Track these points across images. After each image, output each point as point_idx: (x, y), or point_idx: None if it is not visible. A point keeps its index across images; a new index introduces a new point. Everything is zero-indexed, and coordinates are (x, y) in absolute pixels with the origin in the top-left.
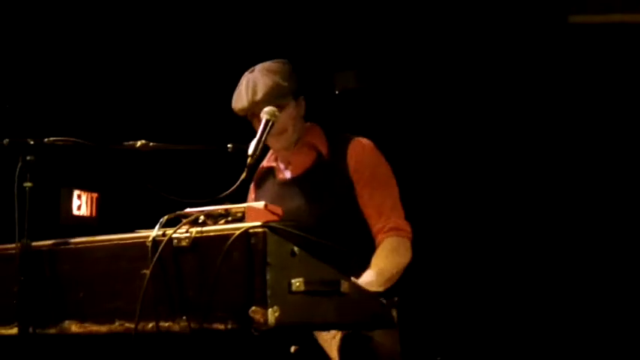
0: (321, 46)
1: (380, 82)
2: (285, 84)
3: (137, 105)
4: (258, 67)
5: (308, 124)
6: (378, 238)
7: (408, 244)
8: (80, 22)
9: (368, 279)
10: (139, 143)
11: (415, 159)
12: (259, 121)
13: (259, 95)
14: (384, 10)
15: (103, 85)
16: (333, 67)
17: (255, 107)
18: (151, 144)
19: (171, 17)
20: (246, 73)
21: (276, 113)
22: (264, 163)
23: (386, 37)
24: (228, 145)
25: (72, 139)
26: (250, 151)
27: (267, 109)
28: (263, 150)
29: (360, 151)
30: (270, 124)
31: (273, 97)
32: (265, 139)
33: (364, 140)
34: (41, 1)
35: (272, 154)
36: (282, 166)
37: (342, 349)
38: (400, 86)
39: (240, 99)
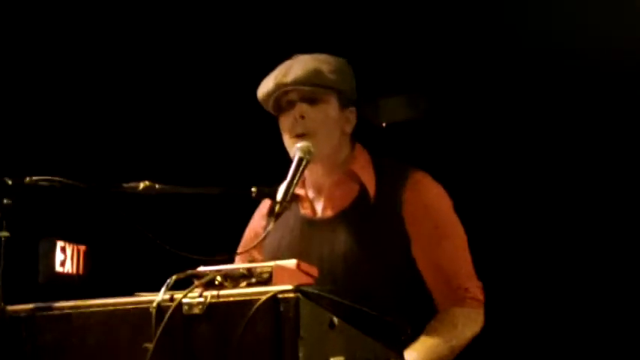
0: (363, 67)
1: (437, 111)
2: (332, 77)
3: (139, 141)
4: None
5: (356, 146)
6: (441, 306)
7: (478, 312)
8: (69, 46)
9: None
10: (141, 185)
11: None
12: (286, 115)
13: (291, 76)
14: (445, 23)
15: (97, 117)
16: (378, 92)
17: (281, 90)
18: (157, 186)
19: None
20: None
21: (311, 149)
22: None
23: (446, 54)
24: (252, 189)
25: (57, 178)
26: (279, 196)
27: (300, 144)
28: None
29: (422, 193)
30: (304, 163)
31: (309, 82)
32: (297, 182)
33: (425, 177)
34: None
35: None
36: (311, 193)
37: None
38: (462, 117)
39: (267, 81)
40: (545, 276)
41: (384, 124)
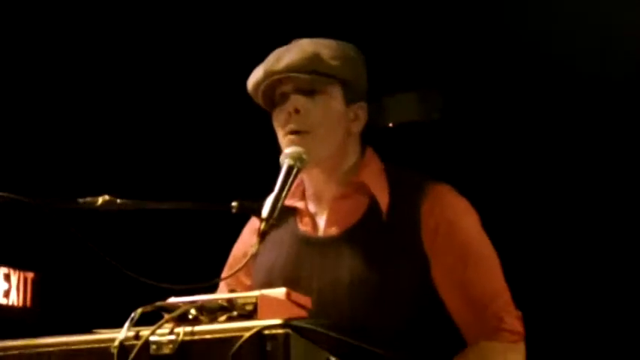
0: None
1: (453, 110)
2: (334, 63)
3: (99, 148)
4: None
5: (367, 151)
6: (470, 340)
7: (517, 348)
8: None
9: None
10: (100, 200)
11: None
12: (280, 109)
13: (283, 63)
14: (461, 8)
15: (50, 122)
16: (384, 87)
17: (271, 78)
18: (119, 201)
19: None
20: None
21: (304, 156)
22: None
23: (464, 44)
24: (233, 204)
25: (2, 193)
26: (265, 212)
27: (290, 149)
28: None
29: (445, 207)
30: (294, 172)
31: (305, 69)
32: (286, 195)
33: (448, 190)
34: None
35: (298, 185)
36: (311, 207)
37: None
38: (484, 118)
39: (258, 69)
40: (588, 299)
41: (390, 124)
